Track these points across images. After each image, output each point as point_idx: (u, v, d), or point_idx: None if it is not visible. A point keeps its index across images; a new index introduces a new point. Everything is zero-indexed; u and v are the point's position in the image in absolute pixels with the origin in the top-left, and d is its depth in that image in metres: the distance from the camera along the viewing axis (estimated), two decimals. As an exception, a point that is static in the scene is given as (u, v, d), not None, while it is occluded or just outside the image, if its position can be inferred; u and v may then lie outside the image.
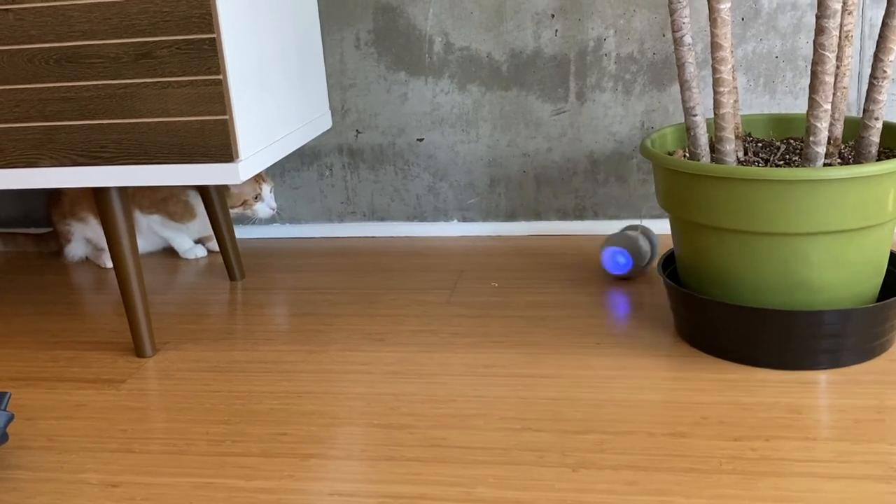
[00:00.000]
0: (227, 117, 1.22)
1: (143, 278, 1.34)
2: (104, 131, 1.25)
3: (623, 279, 1.54)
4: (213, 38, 1.19)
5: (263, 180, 1.74)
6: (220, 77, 1.20)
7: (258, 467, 1.05)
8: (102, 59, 1.22)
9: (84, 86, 1.24)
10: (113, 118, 1.24)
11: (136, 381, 1.29)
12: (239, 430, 1.14)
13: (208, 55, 1.20)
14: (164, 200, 1.75)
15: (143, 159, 1.25)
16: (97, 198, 1.30)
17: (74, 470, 1.07)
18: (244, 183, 1.69)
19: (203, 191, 1.62)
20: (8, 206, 2.04)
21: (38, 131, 1.27)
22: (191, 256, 1.82)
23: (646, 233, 1.58)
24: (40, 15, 1.22)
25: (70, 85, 1.24)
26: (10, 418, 1.07)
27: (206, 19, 1.18)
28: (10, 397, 1.08)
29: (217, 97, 1.21)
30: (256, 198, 1.73)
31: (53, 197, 1.82)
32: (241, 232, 1.93)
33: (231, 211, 1.73)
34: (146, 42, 1.20)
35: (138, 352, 1.37)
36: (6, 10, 1.22)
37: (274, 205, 1.76)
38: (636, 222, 1.63)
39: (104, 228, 1.32)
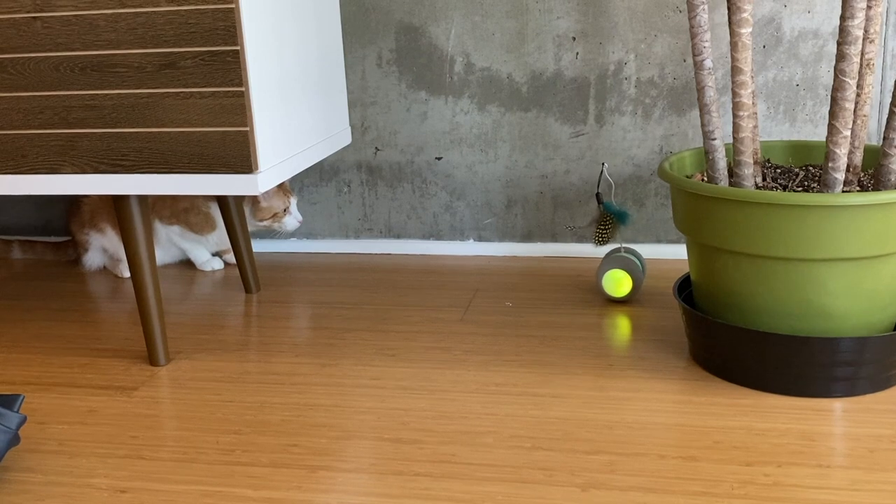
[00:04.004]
0: (247, 129, 1.23)
1: (159, 286, 1.35)
2: (126, 140, 1.27)
3: (623, 301, 1.55)
4: (237, 50, 1.20)
5: (291, 194, 1.76)
6: (243, 89, 1.21)
7: (267, 477, 1.05)
8: (127, 69, 1.24)
9: (108, 94, 1.25)
10: (135, 127, 1.26)
11: (149, 389, 1.30)
12: (249, 441, 1.14)
13: (231, 67, 1.21)
14: (186, 211, 1.76)
15: (164, 168, 1.26)
16: (117, 206, 1.32)
17: (84, 475, 1.08)
18: (274, 196, 1.72)
19: (222, 203, 1.64)
20: (29, 214, 2.06)
21: (61, 138, 1.28)
22: (207, 269, 1.83)
23: (637, 255, 1.59)
24: (67, 24, 1.23)
25: (94, 93, 1.26)
26: (23, 420, 1.07)
27: (231, 32, 1.19)
28: (23, 400, 1.09)
29: (239, 109, 1.22)
30: (286, 211, 1.75)
31: (74, 207, 1.84)
32: (257, 245, 1.94)
33: (259, 224, 1.75)
34: (170, 52, 1.22)
35: (152, 360, 1.37)
36: (34, 18, 1.24)
37: (300, 217, 1.78)
38: (620, 245, 1.65)
39: (123, 236, 1.33)
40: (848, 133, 1.16)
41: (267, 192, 1.71)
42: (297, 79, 1.40)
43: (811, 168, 1.36)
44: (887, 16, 1.59)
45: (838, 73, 1.14)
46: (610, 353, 1.35)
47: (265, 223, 1.76)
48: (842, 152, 1.16)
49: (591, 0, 1.68)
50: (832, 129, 1.16)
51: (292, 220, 1.77)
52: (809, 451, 1.05)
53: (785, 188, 1.28)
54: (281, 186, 1.74)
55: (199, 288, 1.74)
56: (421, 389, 1.26)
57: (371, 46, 1.79)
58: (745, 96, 1.20)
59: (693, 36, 1.22)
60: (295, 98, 1.38)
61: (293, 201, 1.77)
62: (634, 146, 1.74)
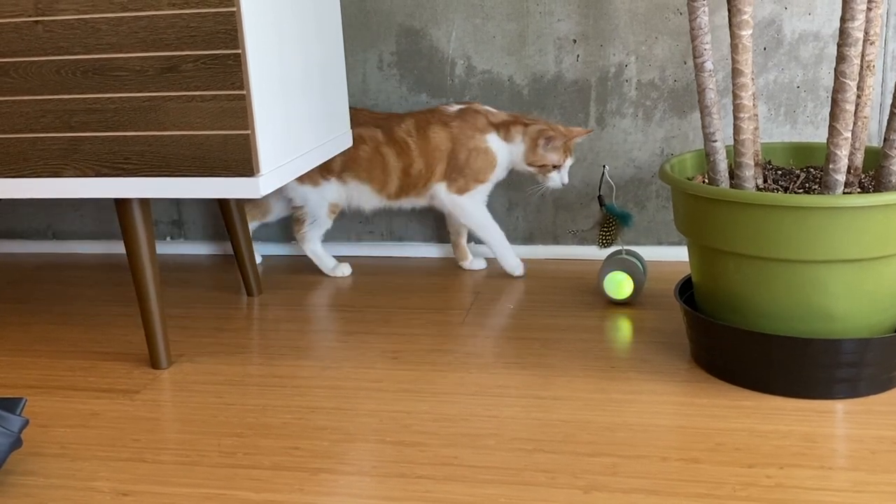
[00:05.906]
0: (249, 132, 1.23)
1: (160, 290, 1.35)
2: (128, 143, 1.27)
3: (624, 304, 1.55)
4: (238, 53, 1.20)
5: (570, 155, 1.67)
6: (244, 92, 1.22)
7: (269, 480, 1.05)
8: (128, 72, 1.24)
9: (110, 98, 1.25)
10: (137, 130, 1.26)
11: (151, 392, 1.30)
12: (251, 443, 1.14)
13: (233, 70, 1.21)
14: (467, 162, 1.67)
15: (166, 172, 1.26)
16: (118, 209, 1.32)
17: (86, 478, 1.08)
18: (556, 151, 1.63)
19: (222, 204, 1.64)
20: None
21: (63, 142, 1.29)
22: (518, 273, 1.72)
23: (638, 257, 1.59)
24: (69, 27, 1.24)
25: (96, 97, 1.26)
26: (25, 424, 1.07)
27: (232, 35, 1.20)
28: (25, 403, 1.09)
29: (240, 112, 1.22)
30: (556, 167, 1.66)
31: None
32: (259, 249, 1.94)
33: (525, 168, 1.67)
34: (172, 56, 1.22)
35: (154, 363, 1.38)
36: (36, 21, 1.24)
37: (566, 180, 1.68)
38: (621, 248, 1.65)
39: (124, 240, 1.33)
40: (849, 134, 1.16)
41: (553, 144, 1.63)
42: (299, 81, 1.40)
43: (812, 170, 1.36)
44: (887, 17, 1.59)
45: (839, 74, 1.14)
46: (611, 355, 1.35)
47: (532, 169, 1.67)
48: (842, 154, 1.17)
49: (591, 2, 1.68)
50: (833, 130, 1.16)
51: (557, 179, 1.67)
52: (811, 453, 1.05)
53: (786, 189, 1.28)
54: (566, 144, 1.64)
55: (200, 291, 1.74)
56: (423, 392, 1.26)
57: (372, 49, 1.79)
58: (746, 98, 1.20)
59: (693, 38, 1.22)
60: (296, 100, 1.39)
61: (568, 163, 1.67)
62: (635, 148, 1.74)
